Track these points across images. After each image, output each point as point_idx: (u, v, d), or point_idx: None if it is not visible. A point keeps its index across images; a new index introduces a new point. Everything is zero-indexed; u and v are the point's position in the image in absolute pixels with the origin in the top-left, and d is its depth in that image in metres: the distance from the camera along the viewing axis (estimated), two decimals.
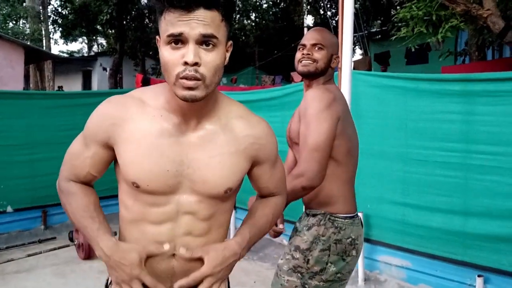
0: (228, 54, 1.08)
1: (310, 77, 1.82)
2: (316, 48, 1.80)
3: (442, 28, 4.32)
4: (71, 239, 4.53)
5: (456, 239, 3.33)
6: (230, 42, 1.09)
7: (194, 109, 1.08)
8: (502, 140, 3.08)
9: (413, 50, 5.48)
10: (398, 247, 3.67)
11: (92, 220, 1.15)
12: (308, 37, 1.83)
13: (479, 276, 3.15)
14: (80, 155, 1.18)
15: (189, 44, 0.98)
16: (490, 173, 3.14)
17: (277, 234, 1.85)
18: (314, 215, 1.77)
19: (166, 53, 1.01)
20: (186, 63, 0.98)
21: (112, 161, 1.19)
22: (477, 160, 3.21)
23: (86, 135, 1.17)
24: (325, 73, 1.82)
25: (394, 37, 5.17)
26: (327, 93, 1.73)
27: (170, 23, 0.99)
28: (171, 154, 1.09)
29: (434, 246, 3.46)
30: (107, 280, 1.24)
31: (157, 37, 1.08)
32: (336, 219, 1.75)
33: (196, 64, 0.98)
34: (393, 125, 3.66)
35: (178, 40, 0.99)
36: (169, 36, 0.99)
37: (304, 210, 1.87)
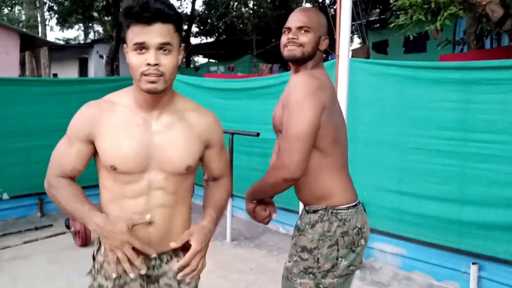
0: (180, 57, 1.36)
1: (296, 62, 1.71)
2: (302, 31, 1.67)
3: (441, 16, 4.28)
4: (68, 226, 4.53)
5: (452, 227, 3.35)
6: (182, 47, 1.38)
7: (156, 102, 1.38)
8: (499, 128, 3.08)
9: (411, 38, 5.44)
10: (394, 234, 3.69)
11: (82, 203, 1.38)
12: (293, 19, 1.70)
13: (473, 263, 3.17)
14: (66, 153, 1.43)
15: (151, 50, 1.27)
16: (487, 161, 3.15)
17: (269, 220, 1.82)
18: (314, 212, 1.67)
19: (133, 57, 1.29)
20: (148, 64, 1.27)
21: (92, 155, 1.44)
22: (474, 148, 3.21)
23: (69, 135, 1.43)
24: (313, 57, 1.70)
25: (392, 25, 5.14)
26: (311, 80, 1.62)
27: (136, 34, 1.27)
28: (140, 140, 1.37)
29: (429, 234, 3.48)
30: (93, 251, 1.57)
31: (124, 45, 1.35)
32: (339, 211, 1.65)
33: (156, 64, 1.28)
34: (390, 113, 3.65)
35: (142, 47, 1.28)
36: (135, 44, 1.28)
37: (303, 207, 1.78)
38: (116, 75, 16.57)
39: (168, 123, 1.40)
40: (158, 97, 1.36)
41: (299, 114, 1.57)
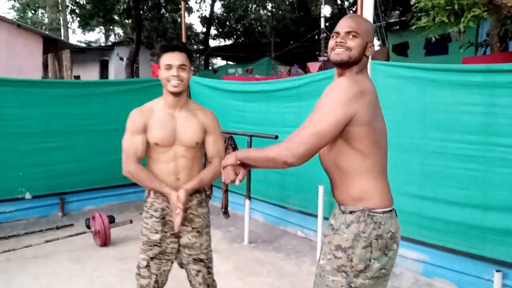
0: (191, 73, 2.32)
1: (343, 65, 1.74)
2: (351, 36, 1.72)
3: (464, 18, 4.20)
4: (88, 226, 4.59)
5: (474, 233, 3.28)
6: (191, 67, 2.28)
7: (177, 101, 2.27)
8: None
9: (433, 40, 5.35)
10: (415, 240, 3.63)
11: (157, 181, 2.24)
12: (342, 25, 1.75)
13: (497, 271, 3.09)
14: (135, 142, 2.23)
15: (174, 68, 2.19)
16: (510, 166, 3.07)
17: (232, 182, 1.80)
18: (351, 212, 1.70)
19: (164, 72, 2.21)
20: (173, 76, 2.19)
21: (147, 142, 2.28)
22: (497, 153, 3.14)
23: (132, 131, 2.24)
24: (359, 62, 1.74)
25: (414, 27, 5.06)
26: (351, 85, 1.64)
27: (165, 59, 2.20)
28: (170, 126, 2.26)
29: (451, 240, 3.41)
30: (145, 196, 2.38)
31: (158, 64, 2.27)
32: (375, 214, 1.68)
33: (178, 76, 2.19)
34: (412, 117, 3.60)
35: (169, 66, 2.19)
36: (166, 65, 2.20)
37: (337, 207, 1.80)
38: (136, 77, 16.78)
39: (185, 116, 2.29)
40: (178, 96, 2.26)
41: (326, 113, 1.61)
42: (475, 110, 3.25)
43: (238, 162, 1.76)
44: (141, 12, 15.90)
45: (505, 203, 3.11)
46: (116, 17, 16.85)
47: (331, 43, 1.76)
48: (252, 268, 3.93)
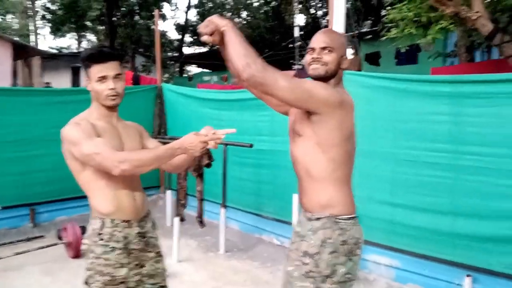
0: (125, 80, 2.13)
1: (321, 80, 1.82)
2: (326, 51, 1.80)
3: (432, 30, 4.35)
4: (60, 237, 4.49)
5: (445, 239, 3.37)
6: (125, 73, 1.97)
7: (112, 113, 2.01)
8: (490, 141, 3.12)
9: (402, 51, 5.51)
10: (388, 246, 3.70)
11: (160, 150, 1.87)
12: (317, 40, 1.83)
13: (467, 276, 3.18)
14: (100, 141, 1.83)
15: (110, 80, 1.91)
16: (478, 174, 3.18)
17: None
18: (318, 219, 1.77)
19: (97, 85, 1.92)
20: (110, 89, 1.91)
21: None
22: (466, 161, 3.25)
23: (87, 137, 1.83)
24: (336, 75, 1.83)
25: (384, 38, 5.20)
26: (334, 92, 1.75)
27: (98, 71, 1.90)
28: (116, 135, 1.96)
29: (423, 245, 3.50)
30: (96, 229, 1.95)
31: (86, 78, 1.97)
32: (340, 221, 1.76)
33: (115, 89, 1.92)
34: (383, 126, 3.69)
35: (103, 78, 1.90)
36: (99, 77, 1.90)
37: (303, 214, 1.87)
38: None
39: (123, 126, 2.03)
40: (115, 109, 2.01)
41: (316, 86, 1.72)
42: (443, 119, 3.36)
43: (222, 30, 1.72)
44: (114, 18, 15.73)
45: (474, 209, 3.22)
46: (88, 24, 16.59)
47: (308, 58, 1.84)
48: (228, 277, 3.92)
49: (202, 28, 1.75)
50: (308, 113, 1.77)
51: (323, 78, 1.81)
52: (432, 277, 3.44)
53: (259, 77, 1.62)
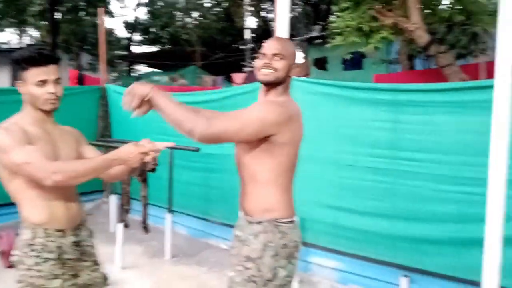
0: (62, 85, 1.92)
1: (269, 85, 1.87)
2: (277, 58, 1.84)
3: (373, 39, 4.53)
4: None
5: (384, 241, 3.51)
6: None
7: (48, 118, 1.89)
8: (425, 147, 3.29)
9: (347, 58, 5.69)
10: (331, 249, 3.80)
11: (104, 156, 1.82)
12: (269, 47, 1.87)
13: (404, 276, 3.33)
14: (32, 150, 1.73)
15: (50, 84, 1.82)
16: (414, 179, 3.34)
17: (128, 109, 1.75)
18: (259, 223, 1.79)
19: (36, 89, 1.80)
20: (51, 93, 1.82)
21: None
22: (403, 166, 3.40)
23: (18, 144, 1.72)
24: (284, 82, 1.87)
25: (329, 45, 5.35)
26: (283, 111, 1.77)
27: (37, 74, 1.79)
28: (50, 142, 1.85)
29: (364, 248, 3.62)
30: (27, 241, 1.86)
31: (18, 82, 1.84)
32: (281, 224, 1.80)
33: (54, 93, 1.82)
34: (327, 131, 3.78)
35: (44, 82, 1.80)
36: (39, 81, 1.79)
37: (243, 218, 1.88)
38: None
39: (58, 131, 1.93)
40: (50, 115, 1.91)
41: (255, 118, 1.73)
42: (383, 126, 3.50)
43: (149, 97, 1.68)
44: (58, 14, 15.06)
45: (411, 213, 3.37)
46: (29, 19, 15.78)
47: (259, 63, 1.87)
48: (173, 284, 3.86)
49: (127, 104, 1.69)
50: None
51: (272, 84, 1.85)
52: (373, 278, 3.56)
53: (208, 135, 1.64)
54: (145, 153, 1.81)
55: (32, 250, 1.80)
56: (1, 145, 1.72)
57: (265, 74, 1.84)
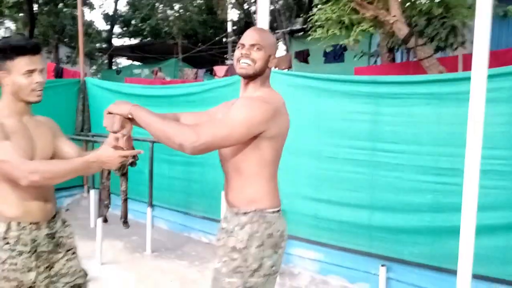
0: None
1: (248, 77, 1.84)
2: (255, 49, 1.81)
3: (354, 32, 4.54)
4: None
5: (363, 232, 3.55)
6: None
7: (27, 109, 1.88)
8: (403, 139, 3.33)
9: (327, 51, 5.70)
10: (312, 241, 3.83)
11: (75, 160, 1.81)
12: (247, 37, 1.84)
13: (382, 265, 3.38)
14: (7, 148, 1.70)
15: (37, 73, 1.81)
16: (393, 170, 3.38)
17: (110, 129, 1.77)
18: (244, 213, 1.79)
19: (22, 79, 1.79)
20: (38, 83, 1.81)
21: None
22: (382, 158, 3.44)
23: None
24: (263, 73, 1.85)
25: (310, 38, 5.35)
26: (267, 106, 1.74)
27: (25, 63, 1.78)
28: (26, 136, 1.82)
29: (343, 239, 3.66)
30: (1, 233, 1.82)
31: (2, 72, 1.79)
32: (266, 214, 1.79)
33: (42, 83, 1.82)
34: (307, 124, 3.79)
35: (32, 72, 1.79)
36: (27, 70, 1.78)
37: (228, 210, 1.88)
38: None
39: (35, 123, 1.90)
40: (29, 106, 1.89)
41: (240, 122, 1.68)
42: (363, 118, 3.53)
43: (130, 116, 1.70)
44: (35, 6, 14.71)
45: (389, 203, 3.42)
46: (5, 11, 15.36)
47: (237, 54, 1.84)
48: (154, 278, 3.84)
49: (109, 127, 1.71)
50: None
51: (251, 76, 1.82)
52: (352, 268, 3.61)
53: (199, 147, 1.61)
54: (125, 157, 1.78)
55: (6, 243, 1.79)
56: None
57: (243, 67, 1.81)
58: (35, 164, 1.73)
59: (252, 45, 1.81)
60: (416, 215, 3.28)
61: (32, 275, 1.83)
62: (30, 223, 1.84)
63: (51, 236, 1.92)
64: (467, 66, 5.47)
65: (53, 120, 2.04)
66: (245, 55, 1.81)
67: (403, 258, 3.35)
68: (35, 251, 1.85)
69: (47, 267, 1.90)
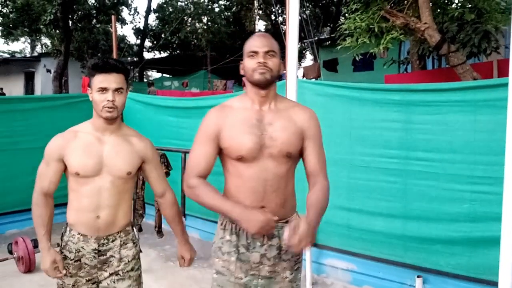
0: (127, 95, 1.98)
1: (268, 86, 1.78)
2: (269, 56, 1.74)
3: (384, 40, 4.52)
4: (10, 252, 4.30)
5: (397, 241, 3.49)
6: (128, 88, 2.02)
7: (109, 126, 1.97)
8: (437, 147, 3.27)
9: (357, 59, 5.68)
10: (344, 250, 3.79)
11: (43, 227, 1.97)
12: (259, 44, 1.75)
13: (418, 276, 3.31)
14: (45, 172, 1.97)
15: (110, 92, 1.88)
16: (427, 179, 3.32)
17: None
18: (288, 221, 1.87)
19: (97, 95, 1.90)
20: (108, 101, 1.88)
21: (63, 172, 1.98)
22: (415, 166, 3.38)
23: (46, 158, 1.97)
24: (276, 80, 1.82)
25: (339, 47, 5.35)
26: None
27: (99, 81, 1.88)
28: (95, 152, 1.94)
29: (377, 249, 3.60)
30: (61, 234, 2.06)
31: (89, 88, 1.94)
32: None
33: (113, 101, 1.88)
34: (338, 133, 3.78)
35: (104, 90, 1.88)
36: (100, 88, 1.88)
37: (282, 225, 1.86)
38: (64, 91, 16.00)
39: (116, 141, 1.98)
40: (112, 122, 1.96)
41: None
42: (394, 126, 3.49)
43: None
44: (70, 22, 15.29)
45: (423, 212, 3.35)
46: (43, 28, 16.03)
47: (251, 63, 1.75)
48: (187, 287, 3.88)
49: (296, 247, 1.63)
50: (302, 137, 1.86)
51: (270, 84, 1.78)
52: (386, 278, 3.55)
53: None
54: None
55: (58, 245, 2.05)
56: (45, 150, 1.98)
57: (262, 73, 1.73)
58: (37, 200, 1.99)
59: (266, 52, 1.74)
60: (452, 224, 3.21)
61: (71, 280, 1.98)
62: (79, 233, 1.98)
63: (99, 252, 1.98)
64: (502, 71, 5.34)
65: (148, 143, 2.07)
66: (263, 63, 1.73)
67: (440, 268, 3.27)
68: (79, 260, 1.97)
69: (89, 280, 1.99)
